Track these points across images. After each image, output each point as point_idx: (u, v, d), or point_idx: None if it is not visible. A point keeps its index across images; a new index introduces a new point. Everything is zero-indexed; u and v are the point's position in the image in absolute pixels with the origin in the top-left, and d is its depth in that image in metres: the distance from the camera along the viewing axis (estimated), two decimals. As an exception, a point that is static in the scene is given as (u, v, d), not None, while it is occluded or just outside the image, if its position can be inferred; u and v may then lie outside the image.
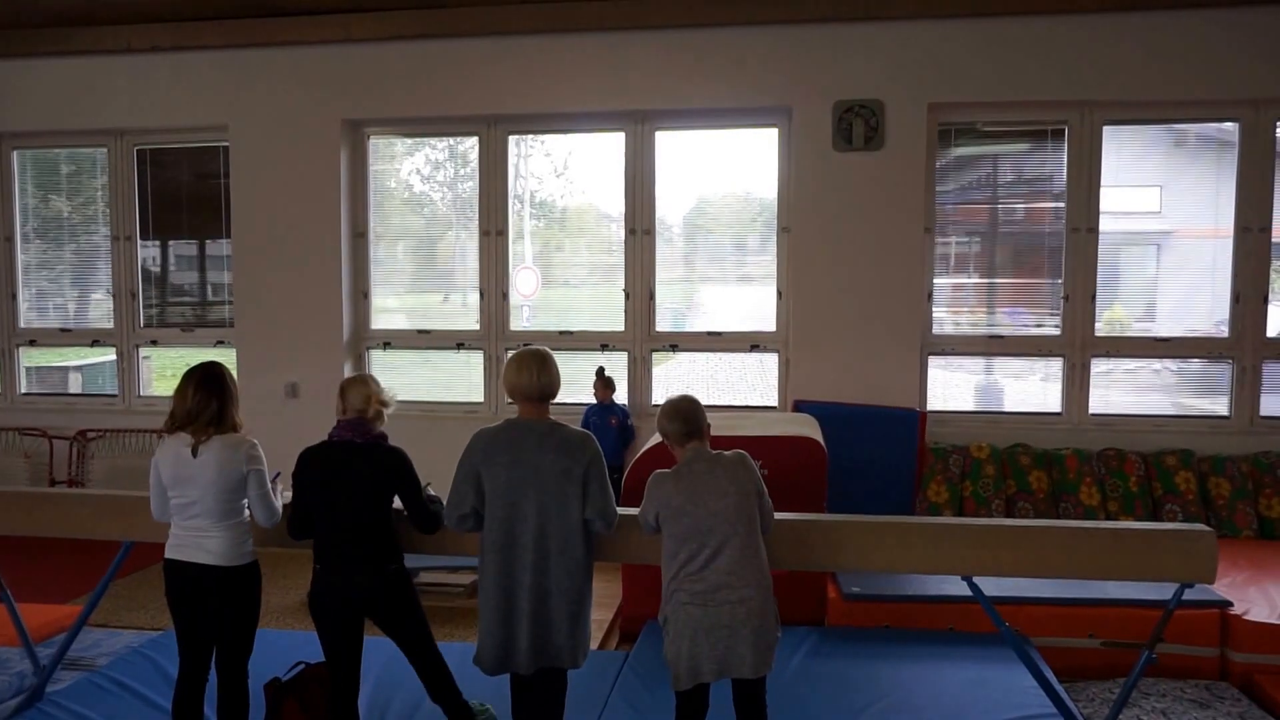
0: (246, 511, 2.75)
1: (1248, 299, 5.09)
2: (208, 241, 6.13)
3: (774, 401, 5.47)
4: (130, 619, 4.37)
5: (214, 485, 2.66)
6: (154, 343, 6.16)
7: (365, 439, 2.75)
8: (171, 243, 6.24)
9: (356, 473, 2.71)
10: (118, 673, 3.48)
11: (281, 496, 2.92)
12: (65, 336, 6.28)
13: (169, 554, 2.71)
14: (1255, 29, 4.81)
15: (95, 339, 6.21)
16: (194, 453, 2.66)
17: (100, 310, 6.22)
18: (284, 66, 5.58)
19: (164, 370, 6.38)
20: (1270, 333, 5.13)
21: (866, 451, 4.73)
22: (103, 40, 5.68)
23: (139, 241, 6.08)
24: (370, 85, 5.51)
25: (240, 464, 2.68)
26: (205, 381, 2.71)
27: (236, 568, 2.70)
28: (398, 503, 2.80)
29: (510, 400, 2.72)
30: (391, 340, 5.88)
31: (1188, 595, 2.80)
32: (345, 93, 5.55)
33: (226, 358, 5.74)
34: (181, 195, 6.10)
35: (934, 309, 5.33)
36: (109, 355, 6.23)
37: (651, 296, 5.57)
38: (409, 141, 5.93)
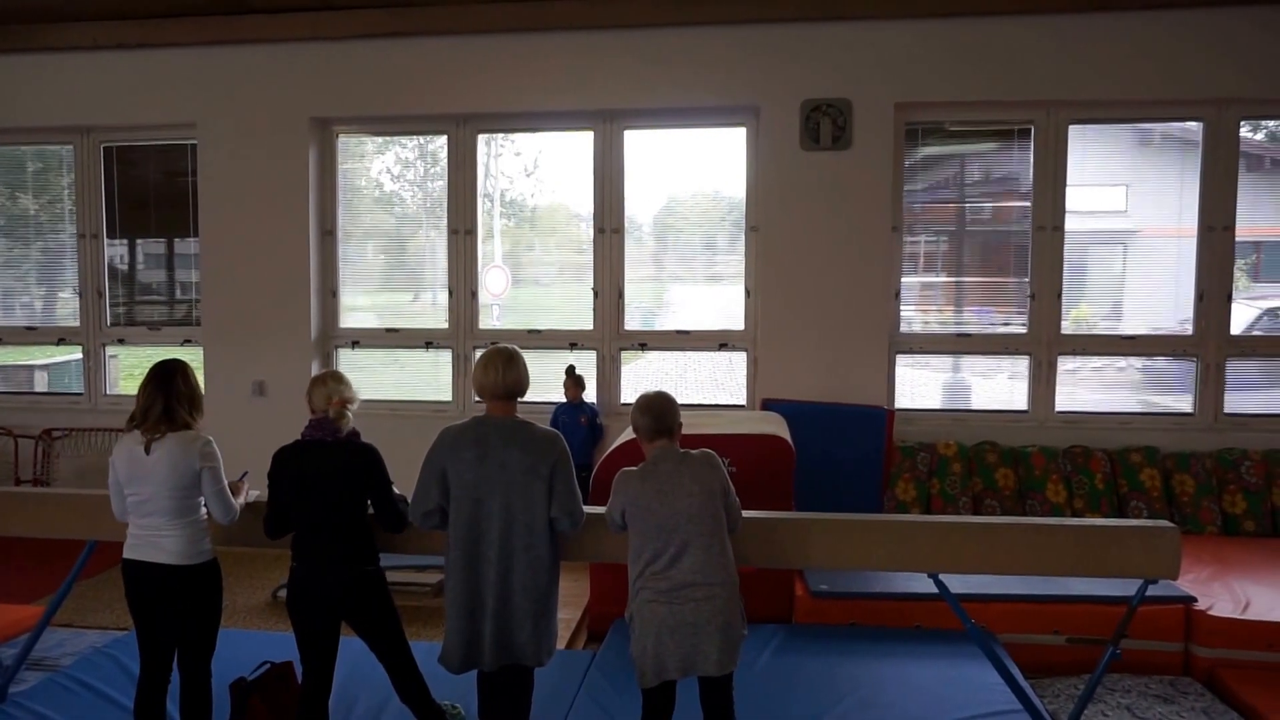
0: (203, 510, 2.73)
1: (1211, 297, 5.17)
2: (176, 240, 6.06)
3: (742, 400, 5.49)
4: (95, 619, 4.32)
5: (167, 482, 2.63)
6: (121, 341, 6.08)
7: (336, 437, 2.74)
8: (139, 241, 6.16)
9: (329, 471, 2.70)
10: (82, 673, 3.44)
11: (247, 495, 2.91)
12: (31, 335, 6.18)
13: (127, 554, 2.69)
14: (1218, 30, 4.89)
15: (61, 337, 6.13)
16: (147, 450, 2.64)
17: (67, 309, 6.14)
18: (252, 64, 5.53)
19: (131, 369, 6.30)
20: (1234, 330, 5.21)
21: (834, 450, 4.76)
22: (69, 37, 5.60)
23: (106, 240, 6.00)
24: (339, 83, 5.47)
25: (193, 461, 2.65)
26: (154, 378, 2.70)
27: (194, 566, 2.67)
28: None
29: (479, 399, 2.72)
30: (360, 339, 5.84)
31: (1152, 591, 2.84)
32: (314, 91, 5.51)
33: (193, 356, 5.69)
34: (149, 193, 6.03)
35: (902, 307, 5.37)
36: (75, 354, 6.15)
37: (621, 295, 5.57)
38: (379, 140, 5.89)
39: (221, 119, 5.58)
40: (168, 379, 2.70)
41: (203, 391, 2.83)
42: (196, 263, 5.82)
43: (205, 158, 5.65)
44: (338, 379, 2.81)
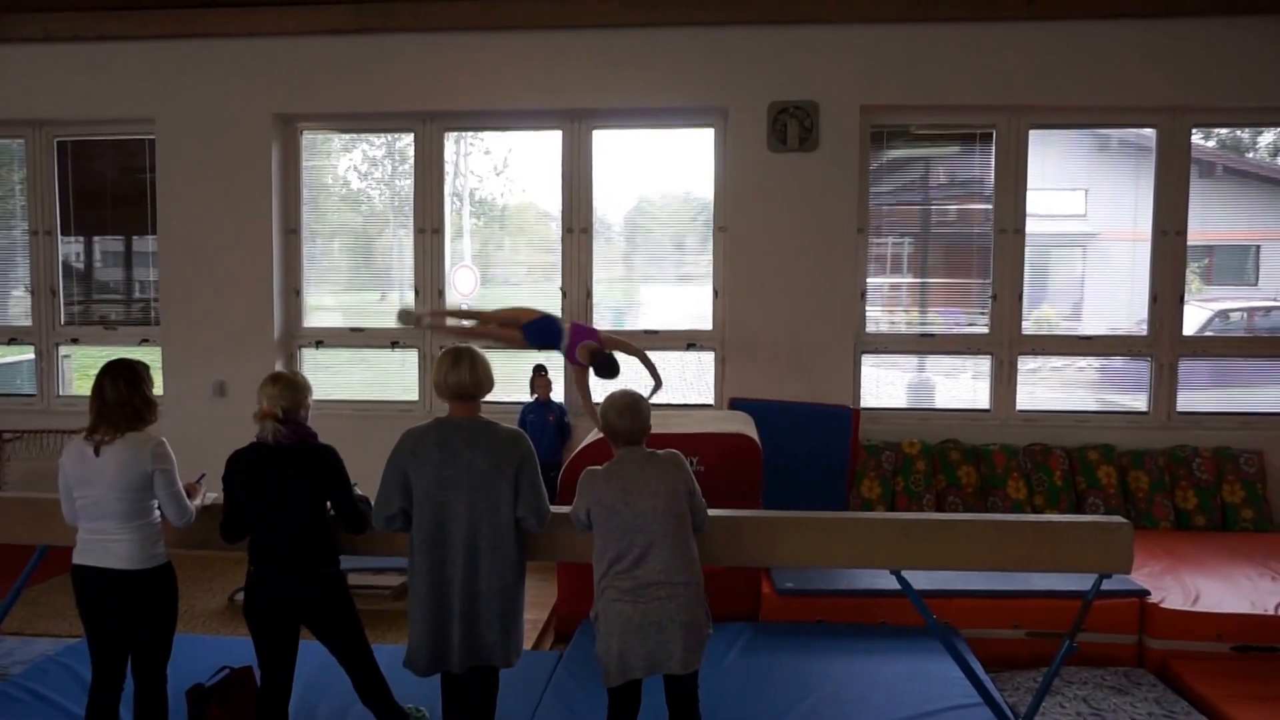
0: (157, 513, 2.67)
1: (1165, 299, 5.30)
2: (134, 237, 5.93)
3: (710, 399, 5.51)
4: (46, 626, 4.21)
5: (116, 485, 2.58)
6: (75, 341, 5.93)
7: (292, 439, 2.69)
8: (96, 238, 6.01)
9: (286, 473, 2.66)
10: (32, 682, 3.36)
11: (204, 497, 2.85)
12: (-20, 335, 6.01)
13: (76, 559, 2.63)
14: (1172, 38, 5.01)
15: (13, 337, 5.96)
16: (96, 451, 2.58)
17: (19, 307, 5.97)
18: (214, 58, 5.43)
19: (86, 369, 6.15)
20: (1187, 331, 5.35)
21: (801, 448, 4.79)
22: (19, 27, 5.45)
23: (60, 237, 5.85)
24: (303, 79, 5.39)
25: (144, 463, 2.60)
26: (103, 379, 2.65)
27: (146, 571, 2.61)
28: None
29: (442, 399, 2.69)
30: (324, 338, 5.76)
31: (1107, 585, 2.89)
32: (277, 86, 5.42)
33: (151, 356, 5.56)
34: (106, 190, 5.89)
35: (868, 308, 5.43)
36: (27, 354, 5.98)
37: (589, 295, 5.56)
38: (346, 137, 5.82)
39: (181, 114, 5.47)
40: (115, 379, 2.64)
41: (160, 391, 2.77)
42: (155, 261, 5.70)
43: (164, 154, 5.53)
44: (277, 381, 2.72)
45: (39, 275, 5.85)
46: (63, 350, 5.95)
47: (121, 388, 2.63)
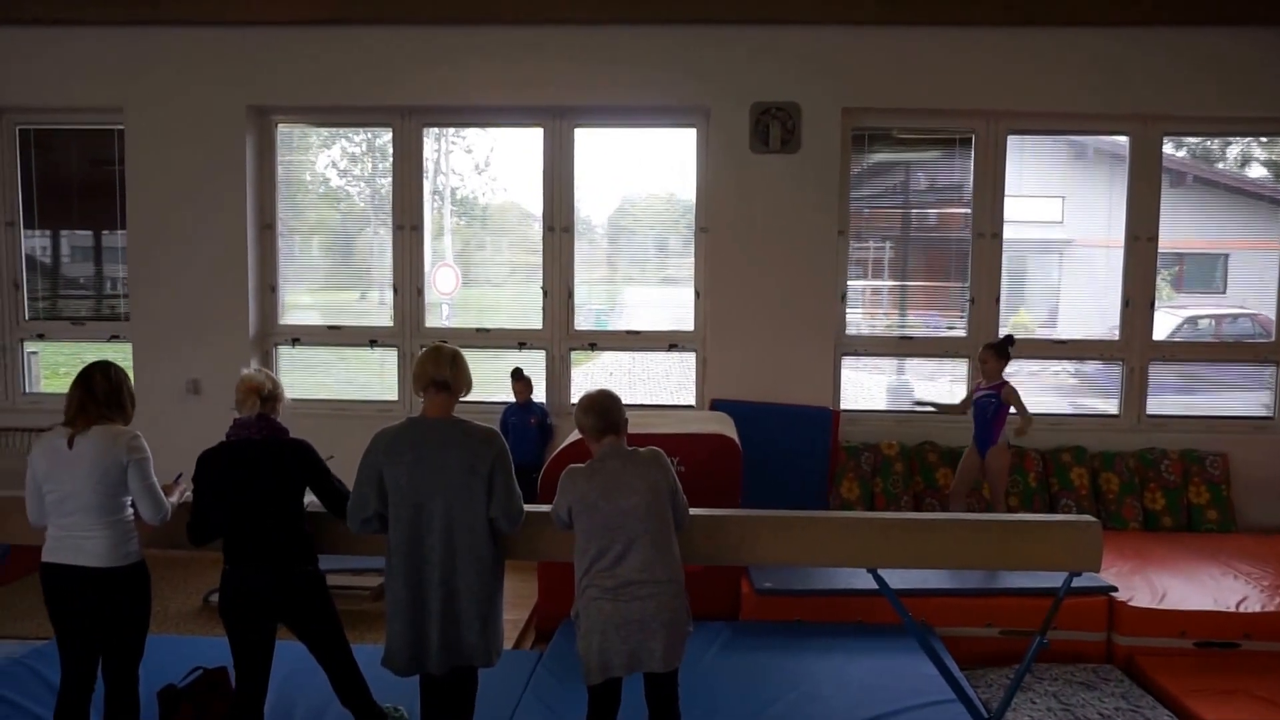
0: (130, 510, 2.62)
1: (1136, 304, 5.40)
2: (104, 233, 5.81)
3: (692, 400, 5.52)
4: (11, 628, 4.11)
5: (90, 477, 2.53)
6: (41, 336, 5.80)
7: (263, 434, 2.66)
8: (63, 232, 5.88)
9: (259, 470, 2.63)
10: (-4, 685, 3.27)
11: (182, 495, 2.81)
12: (-59, 329, 5.86)
13: (46, 557, 2.57)
14: (1145, 47, 5.10)
15: (-27, 332, 5.82)
16: (70, 444, 2.54)
17: (-20, 302, 5.83)
18: (186, 47, 5.32)
19: (55, 367, 6.01)
20: (1156, 336, 5.45)
21: (781, 449, 4.82)
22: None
23: (23, 229, 5.71)
24: (278, 70, 5.31)
25: (119, 454, 2.55)
26: (78, 377, 2.64)
27: (119, 569, 2.56)
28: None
29: (420, 394, 2.66)
30: (301, 336, 5.68)
31: (1077, 583, 2.95)
32: (251, 77, 5.33)
33: (121, 353, 5.46)
34: (72, 181, 5.77)
35: (848, 310, 5.47)
36: (-10, 350, 5.84)
37: (570, 295, 5.54)
38: (325, 133, 5.75)
39: (151, 104, 5.36)
40: (105, 372, 2.63)
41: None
42: (124, 256, 5.59)
43: (134, 144, 5.42)
44: (253, 377, 2.73)
45: (1, 269, 5.71)
46: (28, 347, 5.81)
47: (113, 380, 2.62)
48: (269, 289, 5.63)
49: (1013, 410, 4.35)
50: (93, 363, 2.69)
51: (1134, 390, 5.43)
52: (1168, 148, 5.38)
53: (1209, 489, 5.15)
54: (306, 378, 5.68)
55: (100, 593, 2.55)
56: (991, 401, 4.40)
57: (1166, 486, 5.14)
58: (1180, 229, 5.47)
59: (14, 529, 2.75)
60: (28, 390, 5.78)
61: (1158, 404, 5.46)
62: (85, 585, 2.54)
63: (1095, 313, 5.53)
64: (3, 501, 2.97)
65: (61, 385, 5.77)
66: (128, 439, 2.59)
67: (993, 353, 4.44)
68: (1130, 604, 3.90)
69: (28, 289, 5.77)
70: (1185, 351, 5.51)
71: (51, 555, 2.56)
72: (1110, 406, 5.51)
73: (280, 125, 5.60)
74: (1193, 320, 5.71)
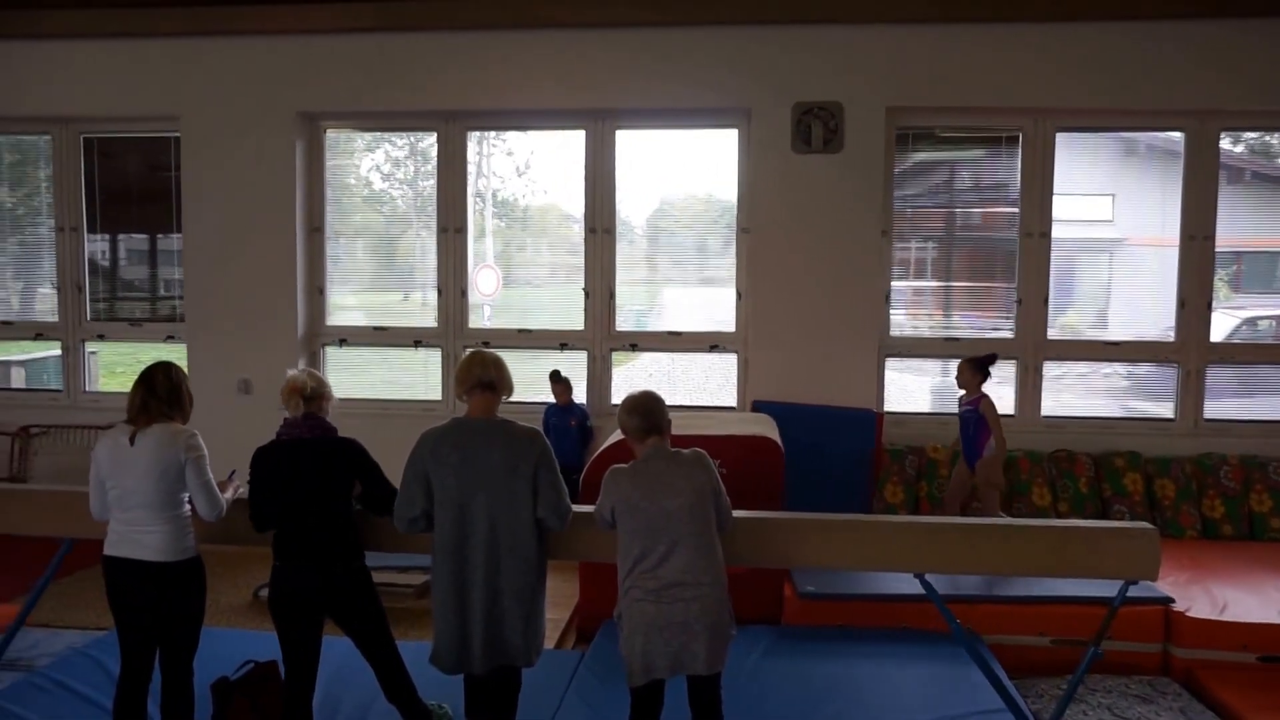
0: (188, 506, 2.69)
1: (1193, 305, 5.24)
2: (159, 235, 5.98)
3: (733, 401, 5.50)
4: (73, 619, 4.24)
5: (150, 474, 2.60)
6: (101, 337, 5.99)
7: (313, 433, 2.71)
8: (121, 236, 6.08)
9: (309, 468, 2.68)
10: (59, 673, 3.39)
11: (236, 491, 2.87)
12: (8, 330, 6.08)
13: (107, 550, 2.65)
14: (1201, 41, 4.95)
15: (39, 333, 6.03)
16: (131, 441, 2.61)
17: (45, 304, 6.04)
18: (238, 56, 5.47)
19: (112, 366, 6.21)
20: (1214, 338, 5.28)
21: (823, 452, 4.77)
22: (46, 24, 5.51)
23: (86, 234, 5.91)
24: (326, 78, 5.43)
25: (178, 452, 2.62)
26: (140, 377, 2.71)
27: (177, 563, 2.63)
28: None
29: (462, 398, 2.69)
30: (347, 337, 5.79)
31: (1133, 592, 2.87)
32: (301, 85, 5.46)
33: (177, 353, 5.62)
34: (131, 187, 5.95)
35: (891, 311, 5.40)
36: (54, 349, 6.05)
37: (612, 295, 5.56)
38: (369, 137, 5.85)
39: (206, 112, 5.52)
40: (168, 371, 2.71)
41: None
42: (180, 259, 5.75)
43: (189, 151, 5.58)
44: (302, 376, 2.79)
45: (65, 272, 5.92)
46: (89, 346, 6.01)
47: (173, 380, 2.70)
48: (317, 291, 5.75)
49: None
50: (154, 363, 2.77)
51: (1190, 394, 5.27)
52: (1224, 143, 5.22)
53: (1271, 496, 4.97)
54: (352, 377, 5.78)
55: (158, 586, 2.62)
56: (973, 415, 4.40)
57: (1226, 493, 4.98)
58: (1238, 227, 5.30)
59: (84, 524, 2.83)
60: (88, 389, 5.99)
61: (1216, 408, 5.29)
62: (144, 579, 2.61)
63: (1148, 313, 5.39)
64: (65, 496, 3.08)
65: (118, 384, 5.96)
66: (186, 437, 2.66)
67: (969, 366, 4.44)
68: (1189, 615, 3.76)
69: (89, 291, 5.97)
70: (1245, 353, 5.34)
71: (113, 549, 2.65)
72: (1164, 410, 5.36)
73: (328, 130, 5.71)
74: (1251, 321, 5.53)
